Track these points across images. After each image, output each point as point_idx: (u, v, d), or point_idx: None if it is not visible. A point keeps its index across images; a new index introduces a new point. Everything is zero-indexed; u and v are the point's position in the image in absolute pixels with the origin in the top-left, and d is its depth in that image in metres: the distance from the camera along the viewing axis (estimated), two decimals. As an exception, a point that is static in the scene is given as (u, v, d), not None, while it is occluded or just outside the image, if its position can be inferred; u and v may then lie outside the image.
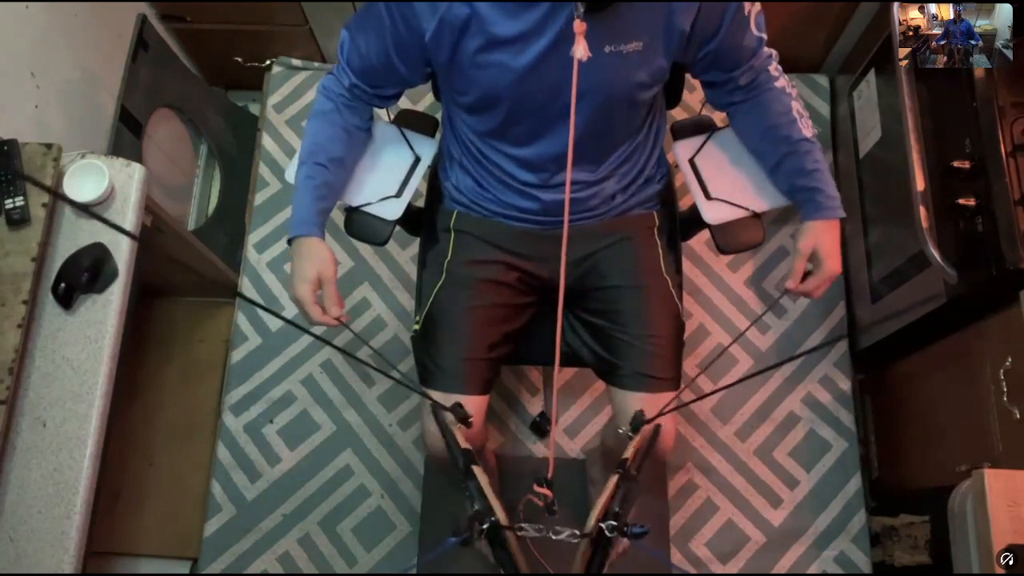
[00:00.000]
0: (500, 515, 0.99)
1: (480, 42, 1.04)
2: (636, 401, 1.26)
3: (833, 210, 1.20)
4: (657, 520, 1.84)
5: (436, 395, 1.24)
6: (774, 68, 1.21)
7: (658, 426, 1.16)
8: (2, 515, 1.24)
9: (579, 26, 0.86)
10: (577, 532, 0.98)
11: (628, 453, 1.10)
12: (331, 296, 1.17)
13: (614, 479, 1.07)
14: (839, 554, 1.88)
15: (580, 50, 0.87)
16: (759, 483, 1.94)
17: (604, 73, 1.06)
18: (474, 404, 1.25)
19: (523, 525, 0.98)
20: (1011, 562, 1.11)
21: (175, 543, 1.94)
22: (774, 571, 1.88)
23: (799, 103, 1.22)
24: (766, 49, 1.20)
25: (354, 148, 1.29)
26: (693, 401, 1.26)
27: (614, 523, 0.94)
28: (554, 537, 0.99)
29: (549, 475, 1.02)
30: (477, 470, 1.07)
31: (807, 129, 1.21)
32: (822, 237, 1.19)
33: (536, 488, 1.02)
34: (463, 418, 1.18)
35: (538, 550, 1.54)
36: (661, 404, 1.27)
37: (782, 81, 1.22)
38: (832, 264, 1.19)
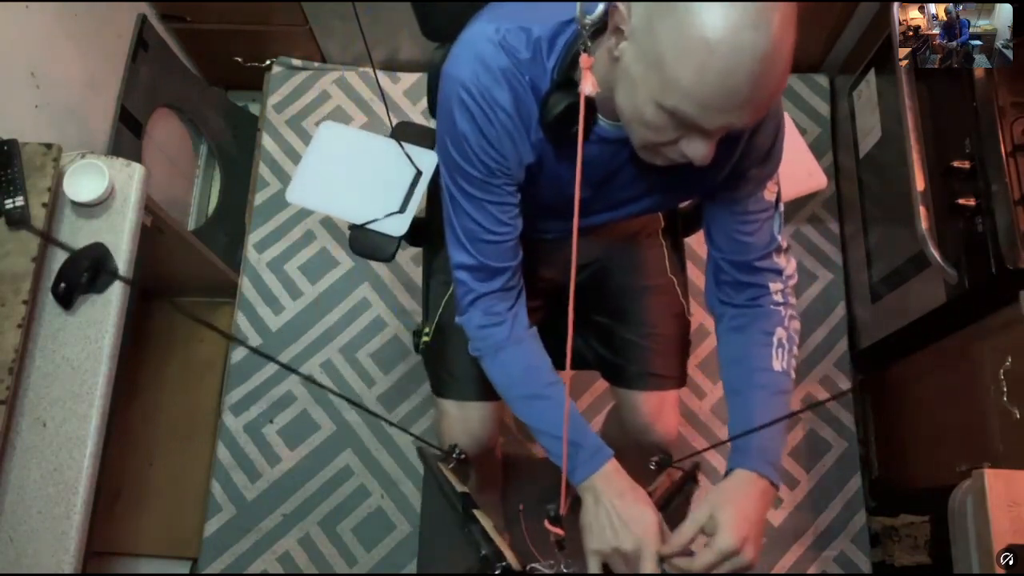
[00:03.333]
0: (511, 559, 0.95)
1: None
2: (642, 400, 1.26)
3: (762, 465, 0.94)
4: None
5: (450, 403, 1.24)
6: (780, 293, 1.04)
7: (691, 473, 1.12)
8: (2, 515, 1.24)
9: (585, 61, 0.84)
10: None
11: (652, 488, 1.08)
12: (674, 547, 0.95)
13: None
14: (839, 554, 1.88)
15: (588, 86, 0.85)
16: (759, 483, 1.94)
17: (630, 195, 1.04)
18: (488, 409, 1.25)
19: (535, 566, 0.96)
20: (1011, 562, 1.11)
21: (175, 543, 1.94)
22: (774, 571, 1.87)
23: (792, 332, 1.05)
24: (780, 260, 1.03)
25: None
26: (714, 446, 1.23)
27: None
28: (565, 570, 0.97)
29: (562, 511, 0.96)
30: (480, 514, 1.04)
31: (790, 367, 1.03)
32: (730, 498, 0.92)
33: (548, 526, 0.96)
34: (459, 459, 1.17)
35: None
36: (666, 402, 1.27)
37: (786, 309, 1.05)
38: (729, 538, 0.89)
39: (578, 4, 0.79)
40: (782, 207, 1.04)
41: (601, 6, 0.80)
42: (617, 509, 0.93)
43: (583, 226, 1.13)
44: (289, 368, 0.92)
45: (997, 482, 1.16)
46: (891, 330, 1.80)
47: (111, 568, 1.94)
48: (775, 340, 1.01)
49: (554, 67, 0.89)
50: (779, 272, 1.04)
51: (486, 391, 1.25)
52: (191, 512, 1.95)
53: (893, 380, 1.88)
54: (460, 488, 1.07)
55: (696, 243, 2.14)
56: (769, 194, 1.01)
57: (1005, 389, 1.42)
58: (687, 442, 1.95)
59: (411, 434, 1.10)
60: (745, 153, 0.96)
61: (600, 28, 0.83)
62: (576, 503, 0.98)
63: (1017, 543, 1.12)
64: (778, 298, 1.03)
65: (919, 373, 1.76)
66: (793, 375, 1.02)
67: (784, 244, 1.04)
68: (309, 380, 1.00)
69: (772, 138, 0.97)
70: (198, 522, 1.93)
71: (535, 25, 0.89)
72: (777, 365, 1.01)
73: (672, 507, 1.08)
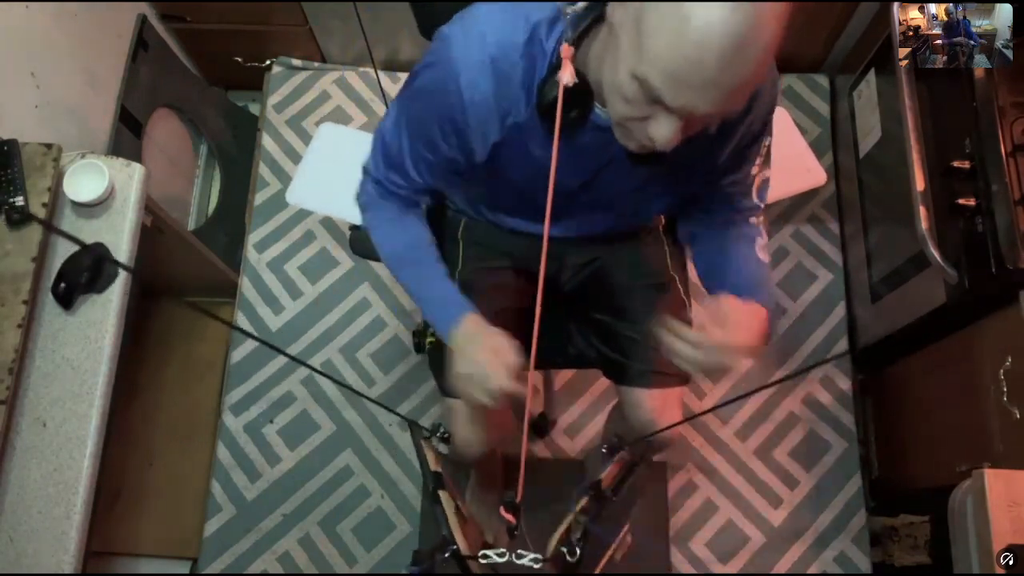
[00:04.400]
0: (461, 543, 0.99)
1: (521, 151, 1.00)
2: (645, 397, 1.25)
3: (765, 299, 1.01)
4: (657, 520, 1.84)
5: (458, 403, 1.24)
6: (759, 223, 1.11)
7: (643, 456, 1.13)
8: (2, 515, 1.24)
9: (566, 51, 0.84)
10: (540, 556, 0.96)
11: (604, 473, 1.09)
12: (510, 383, 0.99)
13: (584, 500, 1.05)
14: (839, 554, 1.88)
15: (567, 76, 0.86)
16: (759, 483, 1.94)
17: (642, 198, 1.08)
18: (496, 408, 1.24)
19: (486, 552, 0.97)
20: (1011, 562, 1.11)
21: (175, 543, 1.94)
22: (774, 571, 1.87)
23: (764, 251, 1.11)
24: (755, 220, 1.11)
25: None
26: (701, 414, 1.24)
27: (576, 547, 0.93)
28: (516, 561, 0.98)
29: (518, 498, 0.98)
30: (444, 496, 1.06)
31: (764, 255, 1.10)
32: (746, 308, 0.96)
33: (502, 512, 0.99)
34: (445, 439, 1.17)
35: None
36: (670, 400, 1.27)
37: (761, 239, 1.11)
38: (734, 334, 0.92)
39: None
40: (769, 172, 1.08)
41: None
42: (480, 347, 1.01)
43: (579, 233, 1.14)
44: (296, 359, 0.93)
45: (997, 482, 1.16)
46: (891, 330, 1.81)
47: (111, 568, 1.94)
48: (759, 243, 1.09)
49: (552, 51, 0.89)
50: (757, 229, 1.10)
51: None
52: (191, 512, 1.95)
53: (893, 380, 1.88)
54: (433, 467, 1.08)
55: (696, 243, 2.14)
56: (756, 169, 1.06)
57: (1005, 389, 1.42)
58: (686, 441, 1.95)
59: (398, 414, 1.12)
60: (729, 153, 0.99)
61: (600, 16, 0.84)
62: (533, 495, 0.99)
63: (1017, 543, 1.12)
64: (758, 226, 1.10)
65: (919, 373, 1.76)
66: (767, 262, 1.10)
67: (762, 206, 1.10)
68: (316, 371, 1.01)
69: (757, 133, 1.00)
70: (198, 522, 1.93)
71: (535, 10, 0.90)
72: (764, 256, 1.09)
73: (624, 490, 1.08)
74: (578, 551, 0.98)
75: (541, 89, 0.89)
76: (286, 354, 0.85)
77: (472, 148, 0.98)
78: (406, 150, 1.03)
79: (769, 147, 1.06)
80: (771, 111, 1.02)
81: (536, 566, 0.96)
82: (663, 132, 0.79)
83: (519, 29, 0.89)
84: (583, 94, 0.87)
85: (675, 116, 0.77)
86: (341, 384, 1.02)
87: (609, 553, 1.10)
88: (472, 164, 1.01)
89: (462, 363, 1.02)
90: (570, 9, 0.82)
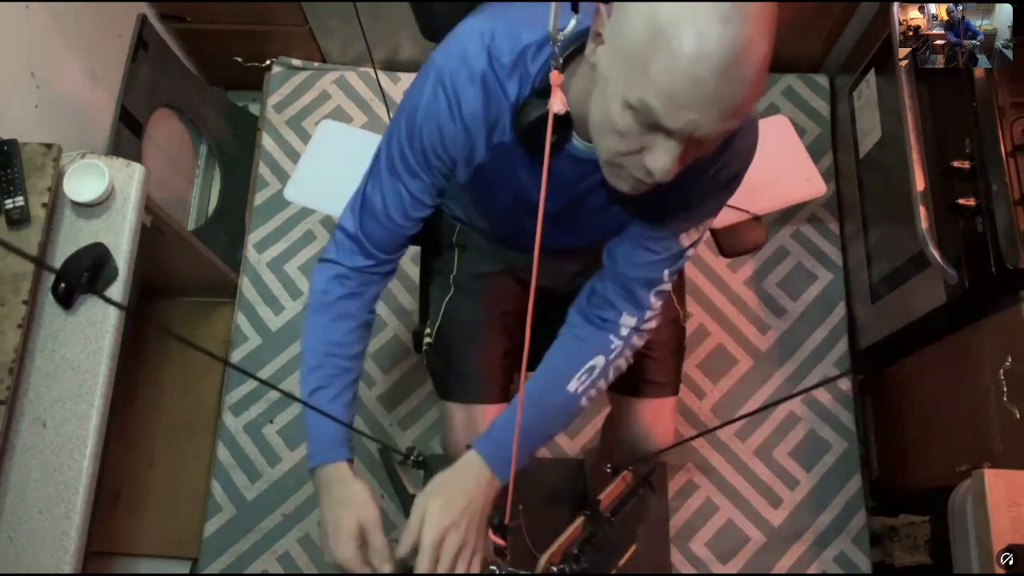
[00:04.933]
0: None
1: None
2: (636, 406, 1.25)
3: (489, 446, 0.98)
4: (657, 520, 1.84)
5: (456, 406, 1.24)
6: (633, 335, 1.06)
7: (646, 478, 1.12)
8: (2, 515, 1.24)
9: (556, 78, 0.84)
10: (527, 574, 0.95)
11: (604, 494, 1.08)
12: (380, 550, 0.95)
13: (580, 520, 1.04)
14: (839, 554, 1.88)
15: (557, 103, 0.85)
16: (759, 483, 1.94)
17: (606, 224, 1.05)
18: (493, 412, 1.24)
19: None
20: (1011, 562, 1.11)
21: (175, 543, 1.94)
22: (774, 571, 1.88)
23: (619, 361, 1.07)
24: (653, 299, 1.04)
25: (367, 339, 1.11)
26: (705, 432, 1.24)
27: (565, 568, 0.92)
28: None
29: (506, 520, 0.97)
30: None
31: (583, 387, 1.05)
32: (441, 482, 0.96)
33: (491, 535, 0.97)
34: (417, 461, 1.18)
35: None
36: (661, 409, 1.27)
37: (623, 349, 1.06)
38: (427, 531, 0.91)
39: (551, 15, 0.77)
40: (687, 257, 1.05)
41: (574, 21, 0.79)
42: (335, 502, 0.97)
43: (564, 246, 1.13)
44: (272, 386, 0.91)
45: (997, 482, 1.16)
46: (891, 330, 1.80)
47: (111, 568, 1.94)
48: (588, 365, 1.04)
49: (536, 74, 0.89)
50: (643, 308, 1.05)
51: (492, 393, 1.25)
52: (191, 512, 1.95)
53: (893, 380, 1.88)
54: (411, 490, 1.05)
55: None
56: (685, 239, 1.02)
57: (1005, 389, 1.42)
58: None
59: (375, 439, 1.11)
60: (707, 188, 0.96)
61: (581, 47, 0.83)
62: (521, 514, 0.99)
63: (1017, 543, 1.12)
64: (623, 332, 1.05)
65: (919, 373, 1.76)
66: (584, 402, 1.05)
67: (667, 288, 1.05)
68: (300, 400, 0.99)
69: (735, 178, 0.97)
70: (198, 522, 1.93)
71: (527, 30, 0.89)
72: (573, 386, 1.04)
73: (625, 511, 1.08)
74: (568, 570, 0.97)
75: (520, 111, 0.88)
76: (278, 388, 0.84)
77: (455, 165, 0.97)
78: (387, 187, 1.01)
79: (703, 233, 1.04)
80: (734, 184, 0.99)
81: None
82: (661, 161, 0.76)
83: (509, 50, 0.89)
84: (562, 122, 0.85)
85: (674, 141, 0.75)
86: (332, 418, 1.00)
87: None
88: (454, 187, 1.00)
89: (330, 528, 0.97)
90: (561, 35, 0.80)
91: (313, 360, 1.03)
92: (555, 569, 0.95)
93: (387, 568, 0.94)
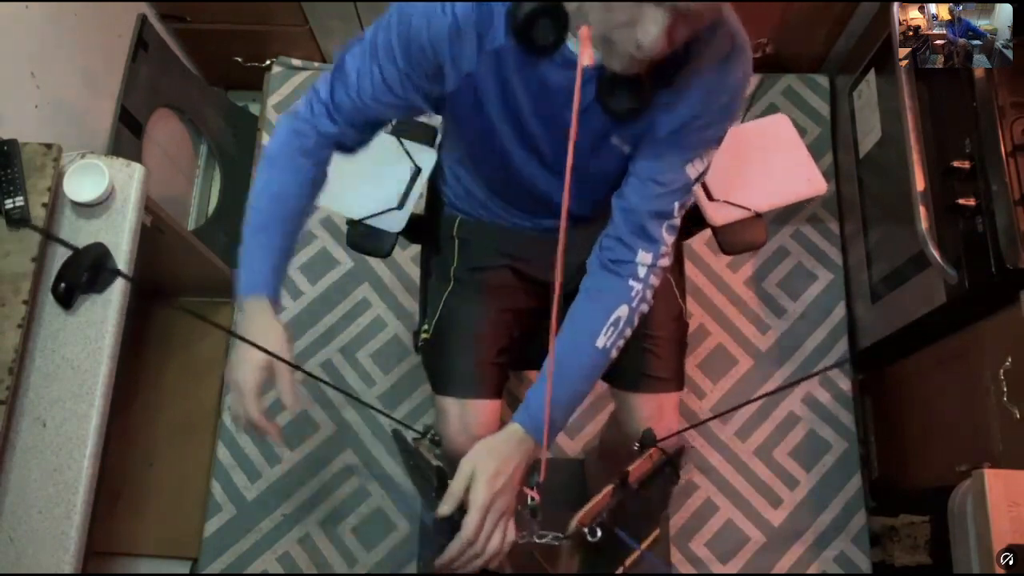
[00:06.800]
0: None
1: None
2: (638, 402, 1.25)
3: (528, 419, 1.01)
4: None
5: (450, 401, 1.24)
6: (650, 274, 1.06)
7: (674, 458, 1.13)
8: (2, 515, 1.24)
9: (584, 32, 0.86)
10: (560, 535, 0.99)
11: (632, 466, 1.09)
12: (287, 390, 1.04)
13: (610, 488, 1.06)
14: (839, 554, 1.88)
15: (586, 57, 0.87)
16: (759, 483, 1.94)
17: (602, 161, 1.06)
18: (488, 409, 1.24)
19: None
20: (1011, 562, 1.11)
21: (175, 543, 1.94)
22: (774, 571, 1.88)
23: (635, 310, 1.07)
24: (664, 233, 1.05)
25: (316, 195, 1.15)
26: (705, 421, 1.24)
27: (597, 527, 0.94)
28: (537, 541, 1.01)
29: (541, 478, 1.01)
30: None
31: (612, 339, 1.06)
32: (491, 449, 1.00)
33: (525, 490, 1.01)
34: (434, 440, 1.19)
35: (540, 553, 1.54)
36: (663, 405, 1.27)
37: (642, 290, 1.07)
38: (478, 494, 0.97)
39: None
40: (695, 194, 1.07)
41: None
42: (254, 329, 1.09)
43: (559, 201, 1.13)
44: (300, 368, 0.94)
45: (997, 482, 1.16)
46: (891, 330, 1.81)
47: (111, 568, 1.94)
48: (612, 318, 1.05)
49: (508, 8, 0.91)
50: (656, 243, 1.06)
51: (487, 389, 1.25)
52: (191, 512, 1.95)
53: (893, 380, 1.89)
54: (435, 462, 1.10)
55: (696, 244, 2.14)
56: (691, 170, 1.03)
57: (1005, 389, 1.42)
58: (686, 442, 1.95)
59: (389, 415, 1.12)
60: (698, 112, 0.98)
61: None
62: (564, 467, 1.02)
63: (1017, 543, 1.12)
64: (640, 272, 1.06)
65: (919, 373, 1.76)
66: (615, 353, 1.06)
67: (677, 224, 1.07)
68: (312, 376, 1.03)
69: (726, 107, 0.99)
70: (198, 522, 1.93)
71: None
72: (601, 342, 1.05)
73: (650, 489, 1.09)
74: (599, 532, 1.00)
75: (516, 5, 0.89)
76: (285, 360, 0.86)
77: (441, 66, 0.97)
78: (363, 65, 1.01)
79: (707, 164, 1.05)
80: (727, 115, 1.00)
81: (556, 544, 1.00)
82: (650, 31, 0.79)
83: (470, 7, 0.91)
84: (558, 18, 0.88)
85: (662, 11, 0.78)
86: (337, 388, 1.03)
87: (636, 553, 1.11)
88: (440, 97, 1.01)
89: (242, 353, 1.06)
90: None
91: (261, 204, 1.09)
92: (585, 530, 0.97)
93: (290, 401, 1.06)
